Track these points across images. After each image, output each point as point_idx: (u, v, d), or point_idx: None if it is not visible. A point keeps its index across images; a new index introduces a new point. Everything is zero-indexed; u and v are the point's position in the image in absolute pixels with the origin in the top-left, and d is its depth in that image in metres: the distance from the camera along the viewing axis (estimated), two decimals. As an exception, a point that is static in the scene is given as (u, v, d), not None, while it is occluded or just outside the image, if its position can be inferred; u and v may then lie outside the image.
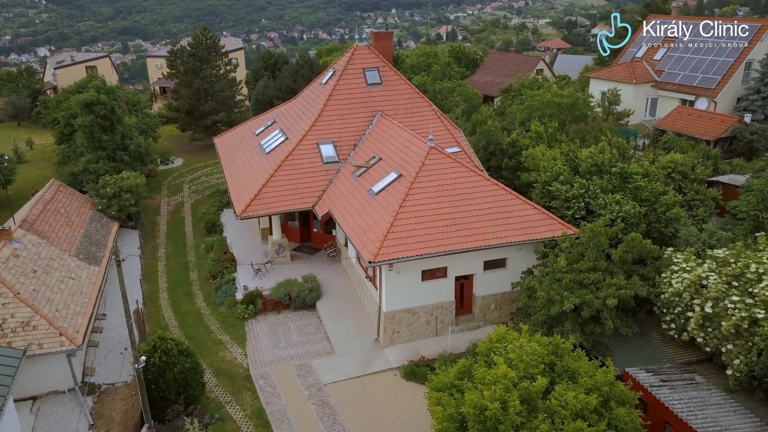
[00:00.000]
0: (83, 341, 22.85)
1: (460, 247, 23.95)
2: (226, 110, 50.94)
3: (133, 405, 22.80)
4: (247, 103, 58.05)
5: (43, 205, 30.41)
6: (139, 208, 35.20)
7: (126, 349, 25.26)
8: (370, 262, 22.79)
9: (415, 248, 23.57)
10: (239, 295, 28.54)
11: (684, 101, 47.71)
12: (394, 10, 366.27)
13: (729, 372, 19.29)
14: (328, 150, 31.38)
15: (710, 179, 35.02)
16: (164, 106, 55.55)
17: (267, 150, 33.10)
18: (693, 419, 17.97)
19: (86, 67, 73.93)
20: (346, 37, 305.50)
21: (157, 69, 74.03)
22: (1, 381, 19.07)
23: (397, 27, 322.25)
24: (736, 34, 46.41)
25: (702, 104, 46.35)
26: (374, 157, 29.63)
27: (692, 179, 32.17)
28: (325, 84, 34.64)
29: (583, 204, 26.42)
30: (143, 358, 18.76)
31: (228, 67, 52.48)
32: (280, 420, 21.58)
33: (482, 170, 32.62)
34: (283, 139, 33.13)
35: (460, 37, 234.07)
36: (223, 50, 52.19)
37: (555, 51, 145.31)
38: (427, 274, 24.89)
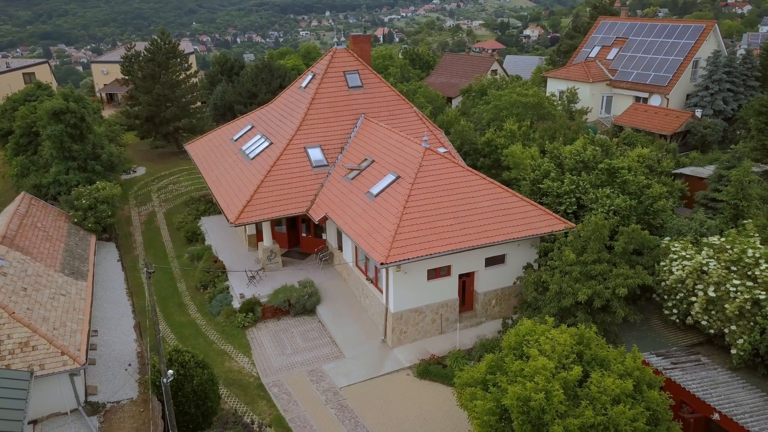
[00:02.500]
0: (86, 359, 21.99)
1: (465, 245, 24.44)
2: (188, 116, 49.69)
3: (144, 422, 22.09)
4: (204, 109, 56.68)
5: (20, 219, 28.91)
6: (114, 219, 33.96)
7: (130, 365, 24.41)
8: (382, 264, 22.92)
9: (423, 248, 23.88)
10: (236, 304, 28.04)
11: (638, 98, 50.14)
12: (327, 13, 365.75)
13: (733, 351, 20.55)
14: (316, 154, 31.27)
15: (674, 172, 37.02)
16: (118, 113, 53.57)
17: (251, 155, 32.63)
18: (709, 397, 19.08)
19: (23, 73, 70.29)
20: (281, 40, 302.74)
21: (103, 75, 71.24)
22: (15, 405, 18.26)
23: (332, 29, 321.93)
24: (683, 34, 49.14)
25: (655, 101, 48.84)
26: (366, 159, 29.75)
27: (659, 172, 33.99)
28: (305, 88, 34.46)
29: (574, 199, 27.46)
30: (171, 371, 18.21)
31: (188, 72, 51.22)
32: (302, 426, 21.42)
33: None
34: (267, 144, 32.74)
35: (397, 39, 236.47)
36: (184, 53, 50.88)
37: (490, 51, 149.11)
38: (433, 273, 25.25)
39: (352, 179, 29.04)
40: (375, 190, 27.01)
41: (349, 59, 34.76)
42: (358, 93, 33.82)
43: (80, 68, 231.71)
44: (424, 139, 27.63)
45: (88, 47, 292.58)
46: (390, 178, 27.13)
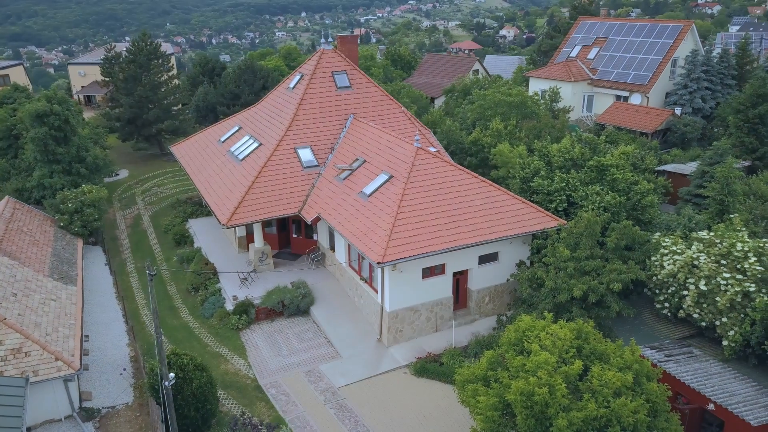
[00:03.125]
0: (80, 364, 21.72)
1: (459, 243, 24.62)
2: (171, 118, 49.19)
3: (140, 427, 21.89)
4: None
5: (5, 224, 28.41)
6: (101, 223, 33.53)
7: (125, 369, 24.16)
8: (379, 263, 23.00)
9: (419, 247, 24.00)
10: (229, 306, 27.89)
11: (618, 97, 50.93)
12: (304, 14, 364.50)
13: (725, 343, 21.04)
14: (306, 154, 31.22)
15: (657, 169, 37.69)
16: (98, 115, 52.81)
17: (240, 157, 32.47)
18: (704, 388, 19.51)
19: (-3, 76, 68.98)
20: (257, 41, 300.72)
21: (80, 77, 70.14)
22: (13, 413, 17.98)
23: (308, 30, 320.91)
24: (661, 34, 50.08)
25: (636, 99, 49.68)
26: (357, 159, 29.80)
27: (643, 169, 34.56)
28: (293, 88, 34.39)
29: (564, 197, 27.82)
30: (172, 375, 18.05)
31: (170, 74, 50.69)
32: (302, 427, 21.38)
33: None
34: (256, 145, 32.59)
35: (374, 40, 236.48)
36: (166, 54, 50.35)
37: (467, 52, 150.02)
38: (427, 272, 25.39)
39: (343, 179, 29.06)
40: (368, 190, 27.07)
41: (337, 59, 34.77)
42: (347, 93, 33.85)
43: (51, 70, 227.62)
44: (416, 139, 27.78)
45: (59, 49, 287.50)
46: (383, 177, 27.21)
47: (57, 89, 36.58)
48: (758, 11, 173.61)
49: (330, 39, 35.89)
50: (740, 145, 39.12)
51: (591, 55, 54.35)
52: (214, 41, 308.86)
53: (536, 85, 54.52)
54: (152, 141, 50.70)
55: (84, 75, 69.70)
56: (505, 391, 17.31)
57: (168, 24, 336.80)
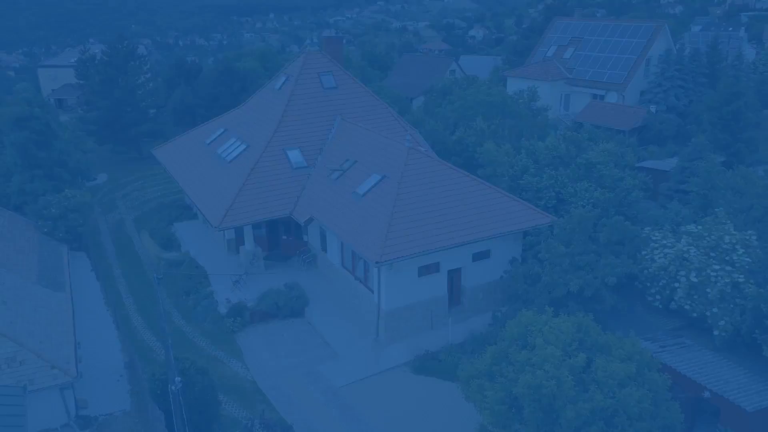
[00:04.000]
0: (77, 372, 21.38)
1: (455, 242, 24.90)
2: (149, 121, 48.48)
3: (140, 433, 21.62)
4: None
5: (-12, 230, 27.75)
6: (85, 228, 32.94)
7: (121, 375, 23.82)
8: (377, 263, 23.13)
9: (416, 246, 24.21)
10: (223, 309, 27.68)
11: (595, 96, 51.98)
12: (272, 15, 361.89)
13: (716, 332, 21.73)
14: (295, 155, 31.17)
15: (636, 165, 38.52)
16: (73, 119, 51.73)
17: (228, 159, 32.25)
18: (699, 377, 20.11)
19: (-38, 79, 67.09)
20: (225, 42, 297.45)
21: (50, 80, 68.63)
22: (14, 422, 17.62)
23: (276, 32, 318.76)
24: (635, 34, 51.33)
25: (612, 98, 50.78)
26: (347, 160, 29.86)
27: (623, 166, 35.34)
28: (279, 89, 34.28)
29: (553, 194, 28.33)
30: (178, 378, 17.91)
31: (147, 75, 50.01)
32: (306, 428, 21.39)
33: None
34: (244, 147, 32.42)
35: (344, 41, 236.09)
36: (144, 56, 49.64)
37: (437, 52, 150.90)
38: (423, 270, 25.60)
39: (335, 180, 29.10)
40: (361, 190, 27.16)
41: (323, 61, 34.78)
42: (334, 94, 33.87)
43: (12, 73, 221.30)
44: (407, 139, 27.99)
45: (19, 51, 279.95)
46: (375, 177, 27.33)
47: (35, 93, 35.69)
48: (718, 11, 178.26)
49: (315, 41, 35.83)
50: (714, 141, 40.20)
51: (567, 55, 55.34)
52: (180, 43, 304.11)
53: (514, 85, 55.15)
54: (130, 144, 49.89)
55: (54, 78, 68.25)
56: (511, 385, 17.63)
57: (133, 25, 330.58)
